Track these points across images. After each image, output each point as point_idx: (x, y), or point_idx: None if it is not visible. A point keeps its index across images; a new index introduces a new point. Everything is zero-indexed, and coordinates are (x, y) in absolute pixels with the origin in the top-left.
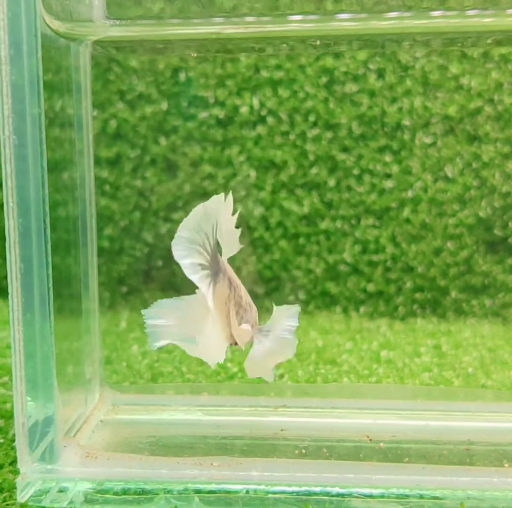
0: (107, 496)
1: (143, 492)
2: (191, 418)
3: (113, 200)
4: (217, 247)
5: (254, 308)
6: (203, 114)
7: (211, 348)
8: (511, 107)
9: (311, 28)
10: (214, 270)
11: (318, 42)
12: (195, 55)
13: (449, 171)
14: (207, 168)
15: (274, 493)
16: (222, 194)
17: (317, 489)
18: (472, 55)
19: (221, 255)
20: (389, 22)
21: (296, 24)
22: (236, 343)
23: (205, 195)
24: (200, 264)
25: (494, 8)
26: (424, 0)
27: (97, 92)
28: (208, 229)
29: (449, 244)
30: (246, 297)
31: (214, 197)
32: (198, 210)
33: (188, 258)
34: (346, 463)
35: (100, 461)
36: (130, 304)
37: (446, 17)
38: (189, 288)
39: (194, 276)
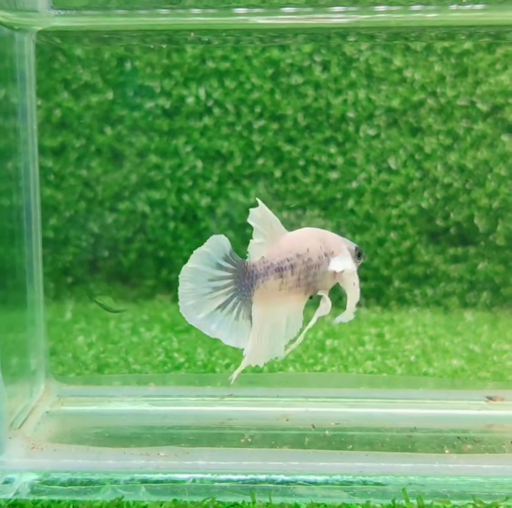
0: (54, 487)
1: (89, 482)
2: (137, 408)
3: (58, 190)
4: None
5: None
6: (149, 104)
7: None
8: (453, 100)
9: (257, 21)
10: (247, 286)
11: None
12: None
13: (392, 162)
14: (153, 158)
15: (220, 481)
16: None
17: (263, 477)
18: (415, 49)
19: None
20: (334, 16)
21: (242, 17)
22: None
23: (151, 185)
24: (218, 307)
25: (437, 4)
26: None
27: (41, 81)
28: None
29: (392, 235)
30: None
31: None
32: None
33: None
34: (291, 451)
35: (46, 453)
36: (76, 295)
37: (390, 12)
38: (136, 278)
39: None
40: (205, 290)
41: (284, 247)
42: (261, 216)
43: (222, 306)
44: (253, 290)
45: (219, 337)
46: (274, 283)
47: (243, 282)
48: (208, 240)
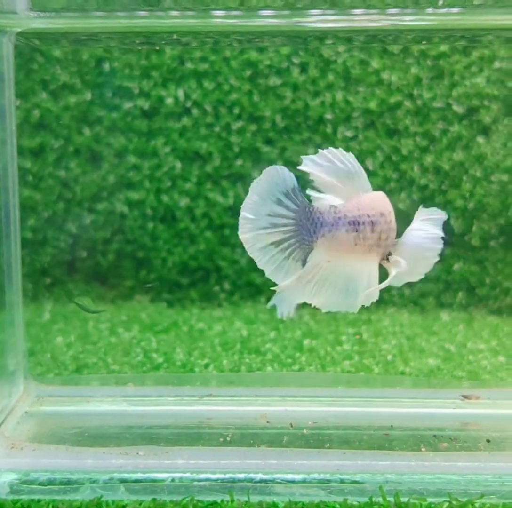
0: (33, 486)
1: (69, 482)
2: (116, 408)
3: (36, 191)
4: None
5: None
6: (127, 105)
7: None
8: (429, 102)
9: (234, 24)
10: (310, 231)
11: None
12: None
13: (369, 164)
14: (132, 159)
15: (199, 480)
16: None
17: (241, 475)
18: (392, 51)
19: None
20: (312, 20)
21: (220, 19)
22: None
23: (130, 186)
24: (271, 243)
25: (414, 7)
26: None
27: (20, 82)
28: (276, 196)
29: None
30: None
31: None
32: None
33: (257, 244)
34: (269, 450)
35: (26, 452)
36: (54, 296)
37: (367, 15)
38: (114, 279)
39: (263, 264)
40: (263, 224)
41: (366, 203)
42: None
43: (277, 243)
44: (317, 237)
45: (265, 270)
46: (347, 236)
47: (305, 226)
48: (266, 170)
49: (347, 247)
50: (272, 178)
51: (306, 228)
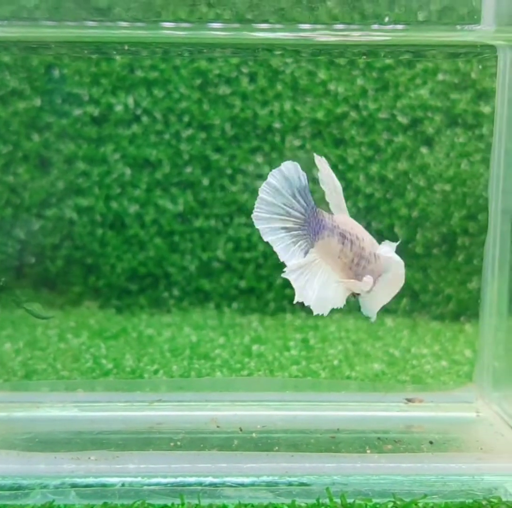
0: None
1: (19, 487)
2: (67, 414)
3: None
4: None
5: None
6: (77, 112)
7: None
8: (374, 113)
9: (184, 35)
10: (314, 230)
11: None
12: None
13: (316, 172)
14: (81, 165)
15: (150, 485)
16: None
17: (192, 479)
18: (339, 63)
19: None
20: (260, 33)
21: (170, 31)
22: (355, 295)
23: (79, 192)
24: (283, 228)
25: (360, 23)
26: (294, 12)
27: None
28: (292, 190)
29: None
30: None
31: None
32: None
33: (266, 223)
34: (219, 453)
35: None
36: (2, 302)
37: (315, 30)
38: (63, 285)
39: (270, 238)
40: (279, 210)
41: (349, 222)
42: (326, 172)
43: (288, 229)
44: (318, 237)
45: (272, 244)
46: (336, 246)
47: (311, 224)
48: (284, 164)
49: (334, 256)
50: (289, 172)
51: (312, 227)
